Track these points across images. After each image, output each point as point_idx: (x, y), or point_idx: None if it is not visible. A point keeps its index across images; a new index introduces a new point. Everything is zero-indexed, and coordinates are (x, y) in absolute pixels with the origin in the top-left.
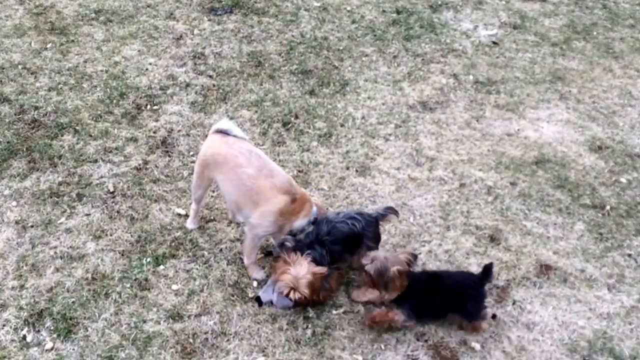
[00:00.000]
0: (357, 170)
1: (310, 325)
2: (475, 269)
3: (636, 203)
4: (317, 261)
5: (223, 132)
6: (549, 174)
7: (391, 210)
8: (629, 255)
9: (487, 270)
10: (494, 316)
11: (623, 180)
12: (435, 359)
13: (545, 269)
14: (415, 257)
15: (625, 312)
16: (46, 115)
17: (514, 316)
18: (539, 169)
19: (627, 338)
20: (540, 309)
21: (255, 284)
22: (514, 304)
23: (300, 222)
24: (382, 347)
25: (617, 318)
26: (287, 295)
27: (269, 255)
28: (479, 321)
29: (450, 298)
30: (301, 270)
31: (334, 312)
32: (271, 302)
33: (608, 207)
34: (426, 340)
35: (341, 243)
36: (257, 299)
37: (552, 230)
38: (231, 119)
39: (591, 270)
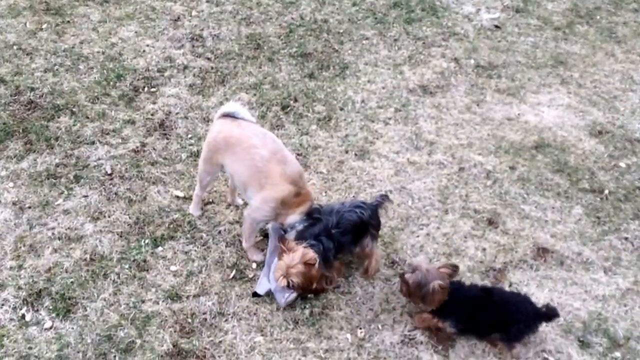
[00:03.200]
0: (356, 154)
1: (308, 306)
2: (472, 251)
3: (634, 187)
4: (319, 253)
5: (231, 116)
6: (549, 159)
7: (387, 199)
8: (626, 238)
9: (552, 311)
10: None
11: (622, 164)
12: (432, 338)
13: (542, 252)
14: (456, 269)
15: (620, 295)
16: (42, 96)
17: None
18: (539, 154)
19: (621, 319)
20: (536, 291)
21: (254, 265)
22: (510, 286)
23: (294, 217)
24: (379, 327)
25: (613, 300)
26: (278, 280)
27: (267, 237)
28: (513, 345)
29: (497, 317)
30: (294, 258)
31: (332, 293)
32: (270, 291)
33: (606, 192)
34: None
35: (350, 233)
36: (254, 295)
37: (550, 214)
38: (229, 101)
39: (588, 253)
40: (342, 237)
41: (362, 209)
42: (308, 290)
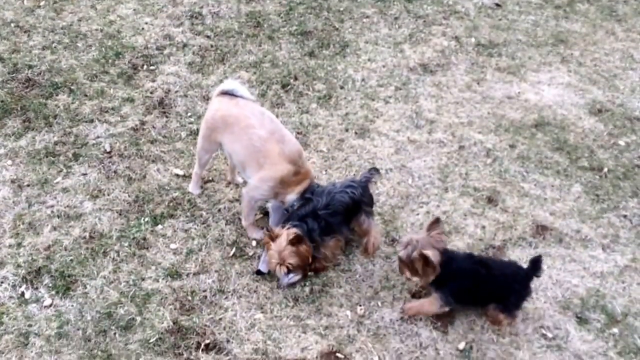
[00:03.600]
0: (356, 133)
1: (308, 283)
2: (472, 229)
3: (633, 165)
4: (304, 234)
5: (229, 94)
6: (548, 137)
7: (375, 172)
8: (625, 216)
9: (536, 263)
10: None
11: (621, 142)
12: (432, 315)
13: (541, 230)
14: (438, 221)
15: (618, 271)
16: (40, 74)
17: None
18: (539, 132)
19: (619, 296)
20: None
21: (254, 243)
22: None
23: (293, 196)
24: (379, 304)
25: (611, 277)
26: (274, 270)
27: (267, 215)
28: (512, 314)
29: (495, 289)
30: (281, 242)
31: (332, 270)
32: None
33: (605, 170)
34: (421, 298)
35: (341, 214)
36: (258, 272)
37: (550, 192)
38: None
39: (586, 230)
40: (331, 218)
41: (353, 189)
42: (308, 268)
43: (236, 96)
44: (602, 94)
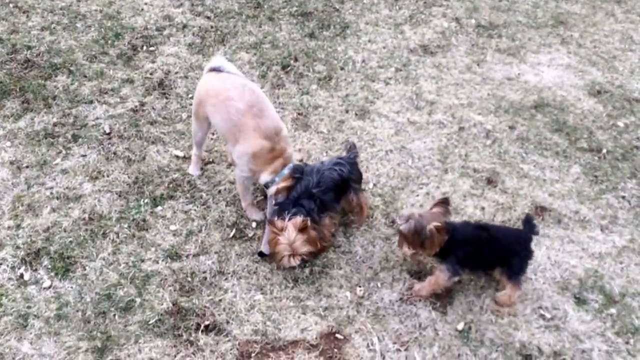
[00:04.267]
0: (356, 114)
1: (308, 265)
2: (471, 210)
3: (632, 146)
4: (304, 216)
5: (216, 70)
6: (548, 118)
7: (353, 147)
8: (623, 197)
9: (529, 222)
10: None
11: (620, 124)
12: (430, 296)
13: (540, 211)
14: (446, 201)
15: (616, 252)
16: (39, 55)
17: None
18: (538, 113)
19: (617, 277)
20: (534, 249)
21: (254, 224)
22: None
23: (266, 176)
24: (379, 285)
25: (609, 258)
26: (289, 261)
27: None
28: (519, 280)
29: (498, 251)
30: (290, 234)
31: (332, 252)
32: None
33: (604, 151)
34: (420, 278)
35: (332, 190)
36: (260, 254)
37: (549, 173)
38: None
39: (585, 211)
40: (324, 195)
41: (341, 166)
42: (318, 252)
43: (222, 71)
44: (602, 75)
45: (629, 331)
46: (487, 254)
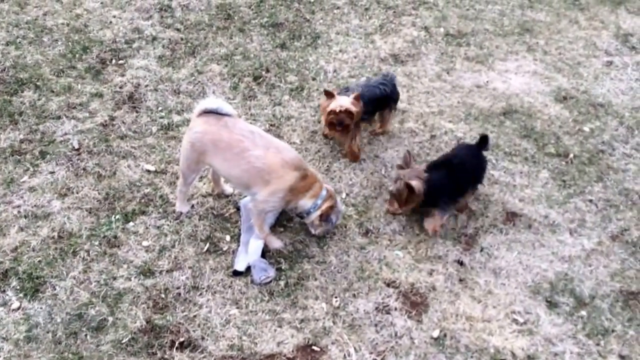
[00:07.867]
0: None
1: (283, 277)
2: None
3: (598, 151)
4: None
5: (213, 112)
6: (516, 124)
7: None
8: (590, 200)
9: (484, 139)
10: (461, 263)
11: (586, 129)
12: (406, 304)
13: (511, 216)
14: (409, 153)
15: (585, 255)
16: (4, 70)
17: (482, 262)
18: (507, 120)
19: (587, 279)
20: (506, 255)
21: (228, 238)
22: (481, 250)
23: (305, 201)
24: (354, 295)
25: (578, 260)
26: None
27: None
28: (476, 187)
29: (469, 172)
30: (343, 98)
31: (307, 263)
32: (249, 268)
33: (571, 155)
34: (396, 287)
35: (373, 104)
36: (235, 273)
37: (519, 178)
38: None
39: (554, 216)
40: (367, 107)
41: (385, 85)
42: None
43: (221, 114)
44: (567, 81)
45: (599, 333)
46: (461, 178)
